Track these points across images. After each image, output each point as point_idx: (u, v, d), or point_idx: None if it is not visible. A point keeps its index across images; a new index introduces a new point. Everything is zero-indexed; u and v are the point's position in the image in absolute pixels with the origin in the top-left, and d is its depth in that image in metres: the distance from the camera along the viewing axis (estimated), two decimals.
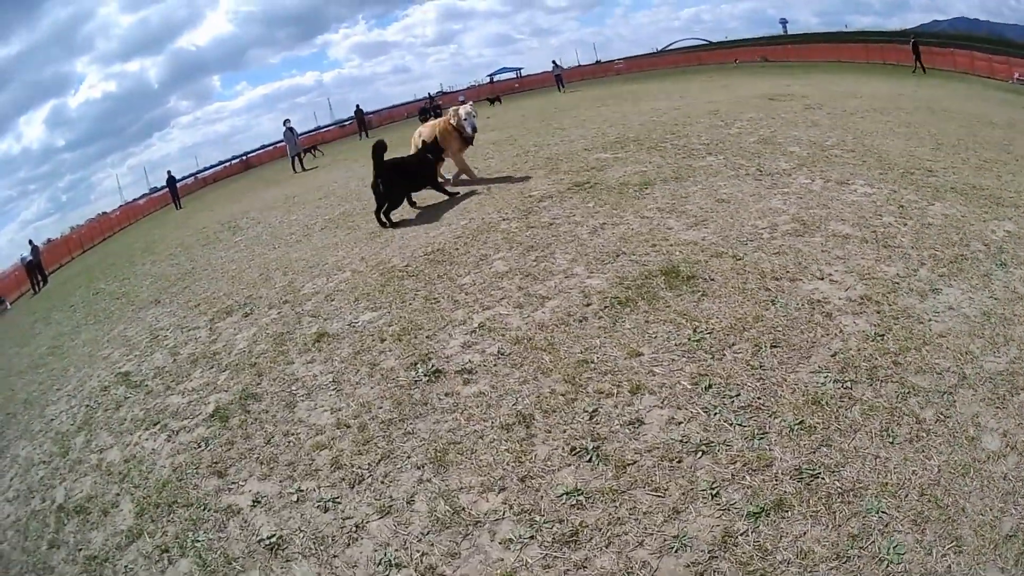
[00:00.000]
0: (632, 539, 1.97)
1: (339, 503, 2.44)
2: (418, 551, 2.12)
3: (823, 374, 2.54)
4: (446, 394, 2.91)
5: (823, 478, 2.04)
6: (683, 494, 2.07)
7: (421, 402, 2.90)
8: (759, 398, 2.46)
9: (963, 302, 3.01)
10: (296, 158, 15.94)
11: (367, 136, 22.69)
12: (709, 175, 5.38)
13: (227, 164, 30.33)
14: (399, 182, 5.68)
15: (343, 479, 2.56)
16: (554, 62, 30.60)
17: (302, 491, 2.56)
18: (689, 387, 2.58)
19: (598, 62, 44.44)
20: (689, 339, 2.90)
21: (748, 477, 2.10)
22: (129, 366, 4.42)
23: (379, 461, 2.60)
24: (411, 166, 5.93)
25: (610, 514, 2.07)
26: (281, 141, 19.59)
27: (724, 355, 2.76)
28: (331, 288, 4.49)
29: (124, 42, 63.67)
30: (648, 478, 2.17)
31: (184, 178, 25.69)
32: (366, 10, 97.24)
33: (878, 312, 2.96)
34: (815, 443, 2.18)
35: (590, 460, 2.30)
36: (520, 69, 43.41)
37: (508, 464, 2.39)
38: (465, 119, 6.23)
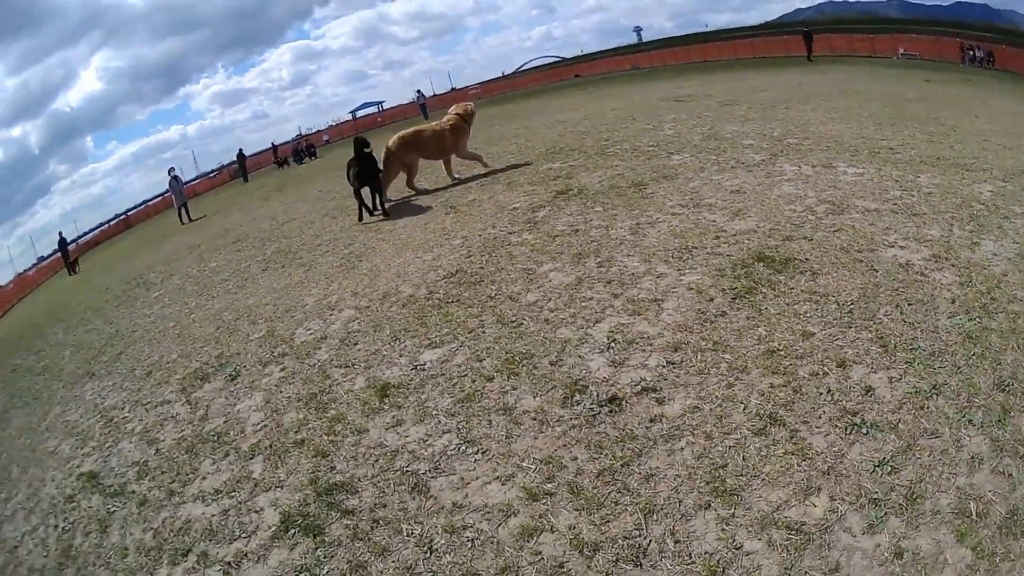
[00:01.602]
0: (959, 473, 2.60)
1: None
2: None
3: (957, 317, 3.62)
4: (650, 420, 3.12)
5: (1013, 385, 3.05)
6: (950, 428, 2.81)
7: (624, 437, 3.05)
8: (933, 344, 3.40)
9: (998, 249, 4.49)
10: (183, 208, 19.07)
11: (247, 180, 28.49)
12: (696, 171, 6.80)
13: (107, 225, 36.65)
14: (374, 172, 7.79)
15: (616, 560, 2.50)
16: (418, 91, 39.88)
17: None
18: (880, 349, 3.38)
19: (453, 89, 56.36)
20: (841, 311, 3.75)
21: (977, 399, 2.98)
22: (92, 464, 4.30)
23: (644, 521, 2.62)
24: (375, 163, 7.89)
25: (923, 465, 2.65)
26: (167, 191, 24.56)
27: (880, 318, 3.65)
28: (339, 331, 4.77)
29: (9, 107, 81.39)
30: (920, 427, 2.83)
31: (72, 241, 29.48)
32: (225, 57, 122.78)
33: (953, 266, 4.24)
34: (991, 366, 3.19)
35: (867, 432, 2.83)
36: (382, 102, 55.01)
37: (799, 465, 2.74)
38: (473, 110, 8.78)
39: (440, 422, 3.46)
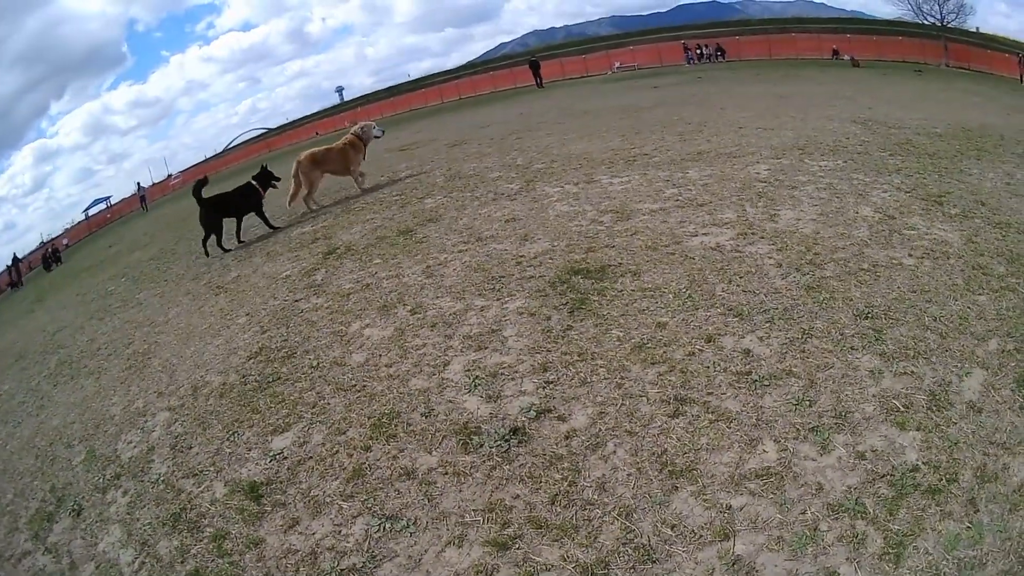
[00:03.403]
0: (868, 386, 3.44)
1: None
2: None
3: (791, 276, 4.78)
4: (565, 437, 3.54)
5: (874, 311, 4.24)
6: (837, 358, 3.78)
7: (551, 460, 3.42)
8: (781, 302, 4.45)
9: (799, 215, 5.98)
10: None
11: (23, 286, 33.26)
12: (458, 209, 7.80)
13: None
14: (219, 213, 9.99)
15: (632, 565, 2.81)
16: (138, 184, 50.67)
17: None
18: (736, 319, 4.31)
19: (169, 176, 64.86)
20: (680, 299, 4.65)
21: (847, 331, 4.05)
22: None
23: (628, 523, 2.99)
24: (233, 198, 10.22)
25: (833, 391, 3.51)
26: None
27: (719, 294, 4.65)
28: (163, 438, 4.92)
29: None
30: (811, 365, 3.76)
31: None
32: None
33: (762, 238, 5.51)
34: (844, 303, 4.37)
35: (768, 384, 3.64)
36: (109, 197, 62.11)
37: (728, 427, 3.39)
38: (375, 127, 11.37)
39: (342, 508, 3.50)
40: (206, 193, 9.88)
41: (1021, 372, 3.70)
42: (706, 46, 45.19)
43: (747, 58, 42.69)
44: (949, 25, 45.70)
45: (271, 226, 10.17)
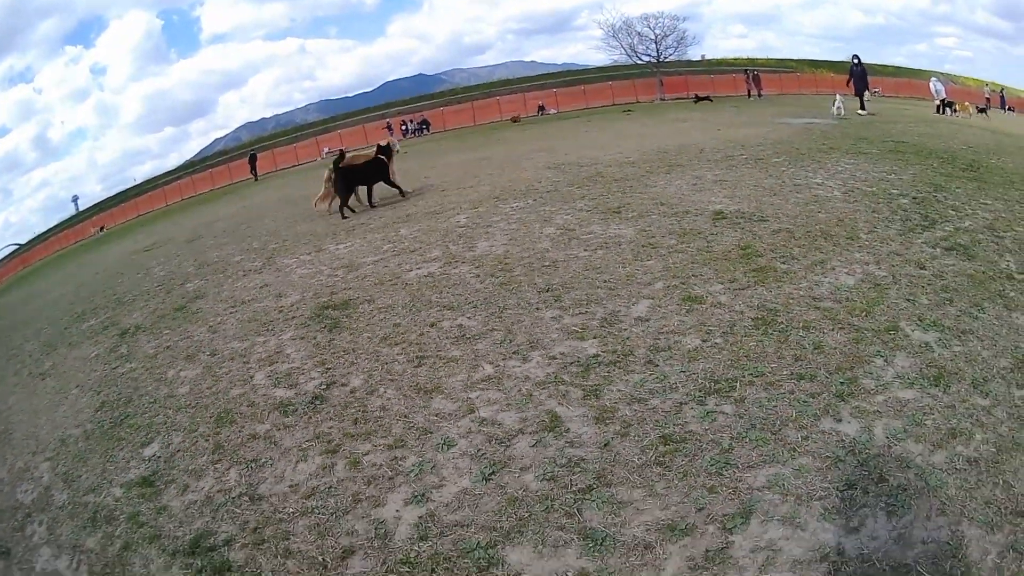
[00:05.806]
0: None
1: None
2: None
3: (487, 280, 7.08)
4: (351, 392, 5.39)
5: (557, 285, 6.68)
6: (519, 312, 6.10)
7: (347, 404, 5.22)
8: (482, 295, 6.69)
9: (492, 243, 8.44)
10: None
11: None
12: (215, 286, 9.62)
13: None
14: (351, 181, 13.12)
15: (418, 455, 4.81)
16: None
17: None
18: (449, 310, 6.42)
19: None
20: (408, 309, 6.71)
21: (531, 300, 6.37)
22: None
23: (404, 434, 4.96)
24: (362, 168, 13.38)
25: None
26: None
27: (438, 300, 6.77)
28: (53, 479, 5.77)
29: None
30: (498, 323, 5.96)
31: None
32: None
33: (463, 262, 7.93)
34: (531, 287, 6.78)
35: (478, 339, 5.81)
36: None
37: (489, 382, 5.46)
38: (396, 143, 14.34)
39: (216, 468, 5.00)
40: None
41: (686, 295, 5.96)
42: (411, 121, 49.33)
43: (452, 127, 47.63)
44: (668, 59, 50.23)
45: (402, 192, 13.63)
